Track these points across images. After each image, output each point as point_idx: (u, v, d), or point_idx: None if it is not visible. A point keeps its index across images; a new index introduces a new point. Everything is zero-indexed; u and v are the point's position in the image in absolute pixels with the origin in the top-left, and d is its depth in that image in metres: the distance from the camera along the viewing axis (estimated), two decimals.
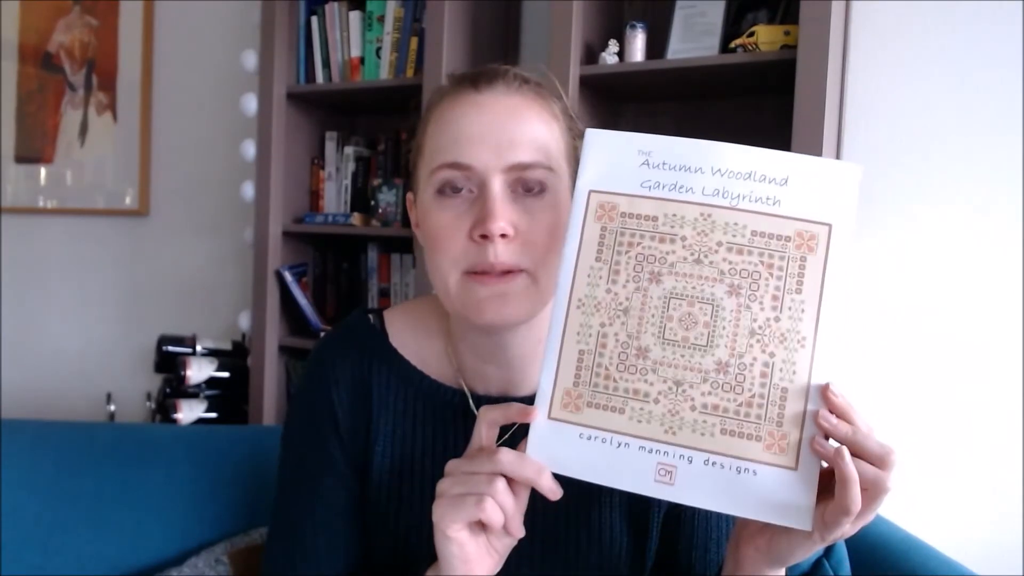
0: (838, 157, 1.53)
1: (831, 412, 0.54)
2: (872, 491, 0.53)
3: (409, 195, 0.76)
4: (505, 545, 0.61)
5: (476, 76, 0.69)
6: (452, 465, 0.61)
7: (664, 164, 0.59)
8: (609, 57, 1.51)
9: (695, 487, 0.55)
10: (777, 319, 0.55)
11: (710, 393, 0.55)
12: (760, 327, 0.55)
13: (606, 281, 0.58)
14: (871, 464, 0.53)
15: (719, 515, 0.73)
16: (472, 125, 0.67)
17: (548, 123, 0.69)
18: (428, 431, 0.75)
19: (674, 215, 0.58)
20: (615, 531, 0.72)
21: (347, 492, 0.75)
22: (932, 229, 1.51)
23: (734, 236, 0.56)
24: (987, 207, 1.47)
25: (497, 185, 0.65)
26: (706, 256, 0.57)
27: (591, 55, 1.55)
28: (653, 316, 0.57)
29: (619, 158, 0.60)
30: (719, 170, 0.57)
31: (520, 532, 0.59)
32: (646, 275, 0.57)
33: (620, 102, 1.71)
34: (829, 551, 0.90)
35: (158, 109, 2.37)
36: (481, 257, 0.65)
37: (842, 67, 1.51)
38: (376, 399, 0.76)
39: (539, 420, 0.58)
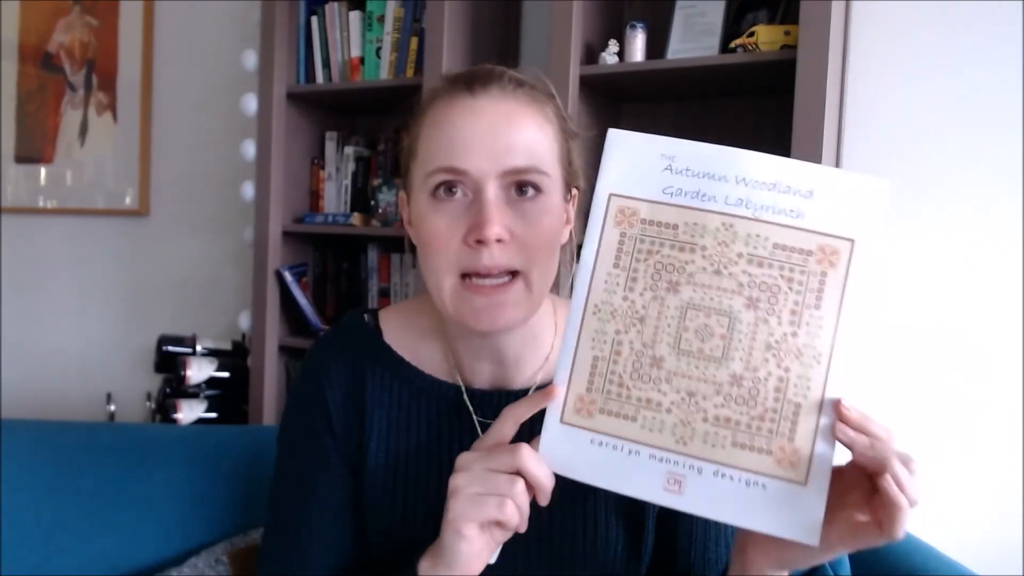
0: (838, 157, 1.53)
1: (847, 426, 0.54)
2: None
3: (401, 194, 0.77)
4: (504, 539, 0.61)
5: (471, 78, 0.69)
6: (466, 459, 0.60)
7: (687, 170, 0.58)
8: (609, 57, 1.51)
9: (704, 497, 0.55)
10: (795, 334, 0.55)
11: (723, 405, 0.55)
12: (777, 342, 0.55)
13: (623, 288, 0.58)
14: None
15: None
16: (467, 130, 0.67)
17: (542, 127, 0.69)
18: (423, 425, 0.76)
19: (695, 224, 0.57)
20: (610, 527, 0.73)
21: (342, 490, 0.76)
22: (932, 229, 1.51)
23: (755, 248, 0.56)
24: (987, 207, 1.47)
25: (492, 190, 0.66)
26: (726, 267, 0.56)
27: (591, 55, 1.55)
28: (669, 326, 0.56)
29: (641, 161, 0.59)
30: (743, 179, 0.56)
31: (524, 528, 0.60)
32: (664, 284, 0.57)
33: (620, 102, 1.70)
34: None
35: (158, 109, 2.37)
36: (476, 260, 0.66)
37: (842, 67, 1.51)
38: (370, 396, 0.76)
39: (552, 424, 0.58)
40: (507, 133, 0.67)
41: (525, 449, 0.58)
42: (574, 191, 0.75)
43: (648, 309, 0.57)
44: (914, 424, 1.52)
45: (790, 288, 0.55)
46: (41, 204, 2.56)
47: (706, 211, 0.57)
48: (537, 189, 0.67)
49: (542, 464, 0.58)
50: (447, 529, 0.59)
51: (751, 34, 1.38)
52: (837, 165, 1.52)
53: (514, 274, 0.67)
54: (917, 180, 1.52)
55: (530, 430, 0.61)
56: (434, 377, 0.77)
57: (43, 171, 2.55)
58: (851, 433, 0.54)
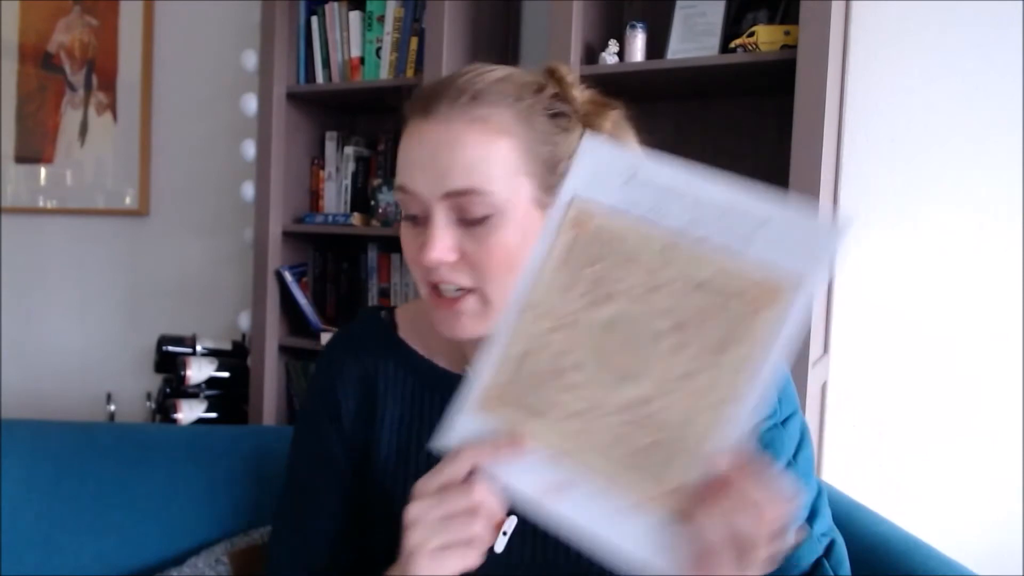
0: (838, 157, 1.53)
1: (730, 473, 0.50)
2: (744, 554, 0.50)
3: None
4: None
5: (428, 98, 0.69)
6: (419, 507, 0.58)
7: (648, 185, 0.57)
8: (609, 57, 1.51)
9: (580, 509, 0.54)
10: (715, 366, 0.52)
11: (626, 424, 0.54)
12: (691, 372, 0.52)
13: (563, 290, 0.57)
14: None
15: None
16: (413, 153, 0.69)
17: (491, 141, 0.67)
18: (435, 414, 0.77)
19: (643, 239, 0.56)
20: None
21: (345, 484, 0.79)
22: (932, 229, 1.51)
23: (693, 273, 0.53)
24: (987, 207, 1.47)
25: (438, 212, 0.67)
26: (661, 288, 0.54)
27: (591, 55, 1.55)
28: (595, 335, 0.56)
29: (608, 171, 0.58)
30: (699, 200, 0.55)
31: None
32: (602, 293, 0.56)
33: (620, 102, 1.70)
34: (829, 551, 0.90)
35: (158, 109, 2.37)
36: (435, 275, 0.69)
37: (842, 67, 1.51)
38: (381, 389, 0.79)
39: (465, 409, 0.59)
40: (445, 157, 0.67)
41: (484, 491, 0.57)
42: None
43: (579, 315, 0.56)
44: (914, 424, 1.52)
45: (719, 321, 0.52)
46: (41, 204, 2.56)
47: (655, 228, 0.55)
48: (485, 210, 0.67)
49: (497, 500, 0.57)
50: (408, 561, 0.58)
51: (751, 34, 1.38)
52: (837, 165, 1.52)
53: (471, 288, 0.69)
54: (917, 180, 1.52)
55: None
56: (445, 369, 0.79)
57: (43, 171, 2.55)
58: (724, 481, 0.50)
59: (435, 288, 0.70)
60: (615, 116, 0.76)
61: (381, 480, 0.78)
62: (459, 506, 0.56)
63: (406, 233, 0.71)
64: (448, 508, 0.57)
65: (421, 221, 0.69)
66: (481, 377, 0.59)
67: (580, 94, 0.76)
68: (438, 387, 0.79)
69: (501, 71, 0.72)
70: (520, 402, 0.57)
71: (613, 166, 0.58)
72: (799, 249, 0.51)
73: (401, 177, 0.69)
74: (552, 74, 0.76)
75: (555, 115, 0.71)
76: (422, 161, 0.68)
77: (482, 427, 0.58)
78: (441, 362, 0.80)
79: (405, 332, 0.82)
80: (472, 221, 0.67)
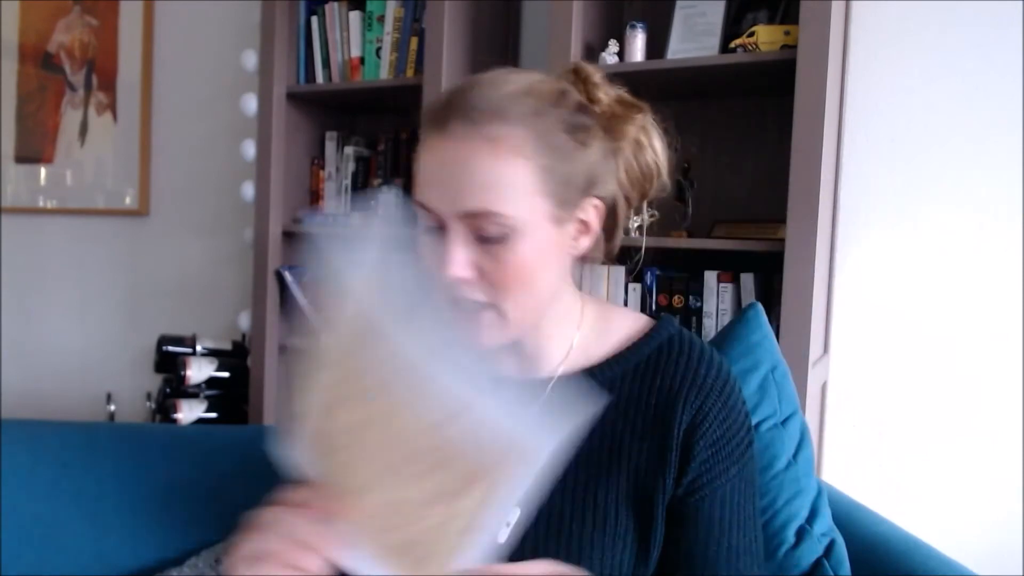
0: (838, 157, 1.53)
1: None
2: None
3: None
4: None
5: (442, 112, 0.68)
6: (281, 507, 0.59)
7: (404, 291, 0.57)
8: (609, 57, 1.51)
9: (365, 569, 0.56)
10: (462, 496, 0.54)
11: (391, 516, 0.56)
12: (440, 494, 0.54)
13: (344, 371, 0.57)
14: None
15: (727, 515, 0.74)
16: (430, 168, 0.68)
17: (507, 163, 0.66)
18: None
19: (404, 356, 0.55)
20: (620, 514, 0.73)
21: None
22: (932, 229, 1.51)
23: (436, 412, 0.54)
24: (987, 207, 1.47)
25: (455, 230, 0.67)
26: (421, 412, 0.55)
27: (591, 55, 1.55)
28: (367, 426, 0.56)
29: (381, 270, 0.57)
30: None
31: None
32: (369, 390, 0.56)
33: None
34: (829, 551, 0.90)
35: (158, 109, 2.37)
36: (452, 288, 0.69)
37: (842, 67, 1.51)
38: None
39: (299, 438, 0.59)
40: (460, 177, 0.66)
41: (328, 539, 0.57)
42: (595, 201, 0.73)
43: (357, 400, 0.57)
44: (914, 424, 1.52)
45: (465, 461, 0.54)
46: (41, 204, 2.56)
47: (412, 348, 0.55)
48: (501, 230, 0.67)
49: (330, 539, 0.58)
50: (235, 560, 0.59)
51: (751, 34, 1.39)
52: (837, 165, 1.52)
53: (488, 303, 0.69)
54: (917, 180, 1.52)
55: None
56: None
57: (43, 171, 2.55)
58: None
59: (454, 300, 0.70)
60: (641, 120, 0.76)
61: None
62: (302, 535, 0.57)
63: (426, 244, 0.71)
64: (291, 532, 0.57)
65: (440, 234, 0.69)
66: (307, 412, 0.59)
67: (606, 95, 0.75)
68: None
69: (519, 81, 0.69)
70: (325, 456, 0.58)
71: (390, 271, 0.58)
72: (530, 420, 0.52)
73: (418, 192, 0.69)
74: (577, 74, 0.75)
75: (575, 128, 0.70)
76: (437, 178, 0.68)
77: (310, 460, 0.59)
78: None
79: None
80: (488, 239, 0.67)
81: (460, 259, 0.67)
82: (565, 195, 0.69)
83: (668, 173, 0.79)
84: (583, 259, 0.77)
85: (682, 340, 0.78)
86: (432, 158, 0.68)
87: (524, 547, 0.70)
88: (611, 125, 0.74)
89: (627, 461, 0.74)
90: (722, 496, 0.74)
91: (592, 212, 0.74)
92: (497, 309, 0.69)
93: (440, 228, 0.69)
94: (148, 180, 2.39)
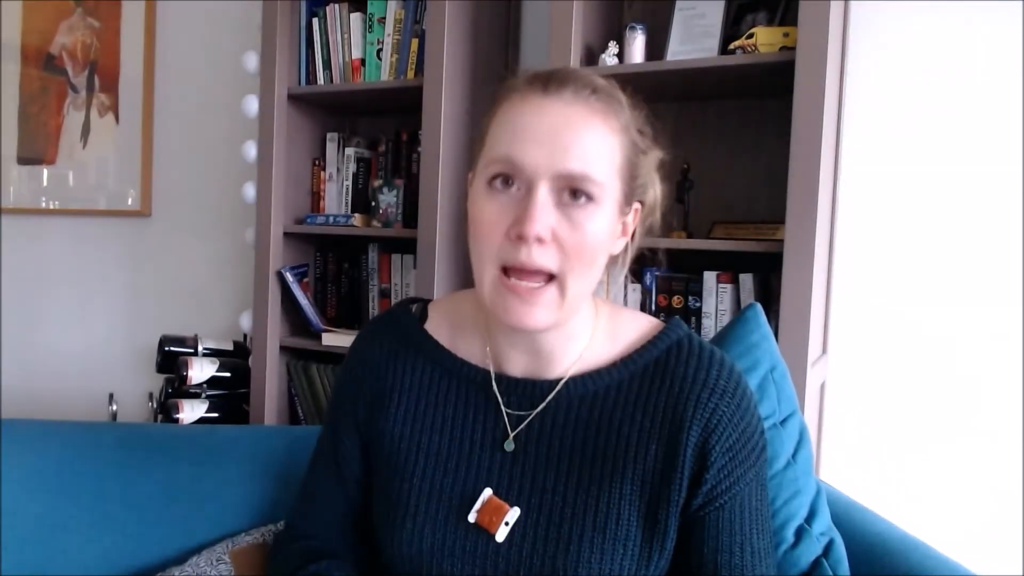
0: (837, 158, 1.53)
1: None
2: None
3: (470, 174, 0.79)
4: None
5: (548, 78, 0.71)
6: None
7: None
8: (609, 58, 1.51)
9: None
10: None
11: None
12: None
13: None
14: None
15: (747, 519, 0.74)
16: (531, 127, 0.69)
17: (606, 136, 0.70)
18: (450, 402, 0.81)
19: None
20: (623, 518, 0.73)
21: (353, 460, 0.86)
22: (931, 229, 1.51)
23: None
24: (987, 207, 1.47)
25: (543, 189, 0.68)
26: None
27: (591, 56, 1.55)
28: None
29: None
30: None
31: None
32: None
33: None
34: (828, 550, 0.90)
35: (160, 110, 2.38)
36: (515, 255, 0.69)
37: (841, 68, 1.51)
38: (399, 376, 0.83)
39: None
40: (567, 137, 0.68)
41: None
42: (637, 205, 0.77)
43: None
44: (914, 424, 1.52)
45: None
46: (43, 205, 2.57)
47: None
48: (589, 196, 0.69)
49: None
50: None
51: (750, 36, 1.39)
52: (836, 166, 1.52)
53: (551, 278, 0.69)
54: (916, 180, 1.52)
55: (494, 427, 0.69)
56: (465, 360, 0.82)
57: (45, 172, 2.55)
58: None
59: (508, 273, 0.70)
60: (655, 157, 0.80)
61: (390, 453, 0.81)
62: None
63: (492, 205, 0.70)
64: None
65: (514, 195, 0.70)
66: None
67: None
68: (455, 377, 0.81)
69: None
70: None
71: None
72: None
73: (507, 148, 0.69)
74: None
75: (643, 133, 0.75)
76: (539, 136, 0.69)
77: None
78: (462, 355, 0.82)
79: (433, 325, 0.85)
80: (572, 205, 0.69)
81: (545, 218, 0.68)
82: (630, 187, 0.74)
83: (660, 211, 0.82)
84: (611, 261, 0.79)
85: (691, 343, 0.78)
86: (535, 118, 0.69)
87: (522, 547, 0.70)
88: None
89: (634, 464, 0.73)
90: (741, 500, 0.74)
91: (633, 215, 0.77)
92: (560, 283, 0.70)
93: (518, 189, 0.69)
94: (150, 181, 2.39)
